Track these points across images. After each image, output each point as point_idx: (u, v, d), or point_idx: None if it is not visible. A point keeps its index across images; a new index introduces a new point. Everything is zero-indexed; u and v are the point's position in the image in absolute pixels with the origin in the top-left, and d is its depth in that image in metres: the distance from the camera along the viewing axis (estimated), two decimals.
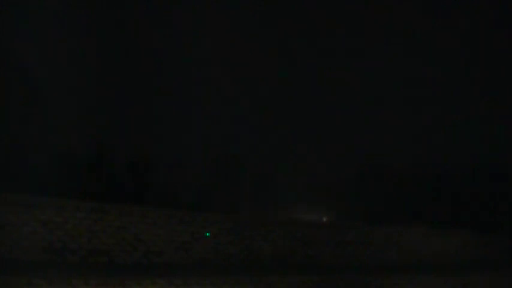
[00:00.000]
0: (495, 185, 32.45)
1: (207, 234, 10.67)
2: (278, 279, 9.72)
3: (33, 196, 9.32)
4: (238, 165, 40.82)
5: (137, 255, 9.88)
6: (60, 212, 9.20)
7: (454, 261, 14.61)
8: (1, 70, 20.19)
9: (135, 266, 9.54)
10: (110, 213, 9.69)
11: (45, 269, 8.28)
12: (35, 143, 21.17)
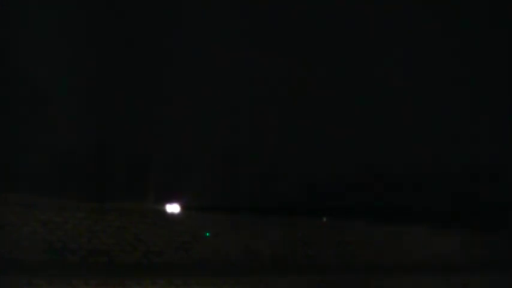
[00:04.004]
0: (495, 184, 32.33)
1: (207, 234, 10.67)
2: (278, 279, 9.72)
3: (33, 196, 9.31)
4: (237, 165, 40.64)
5: (137, 255, 9.87)
6: (60, 212, 9.19)
7: (454, 261, 14.60)
8: (1, 70, 20.15)
9: (135, 266, 9.54)
10: (110, 213, 9.69)
11: (45, 269, 8.28)
12: (35, 143, 21.13)
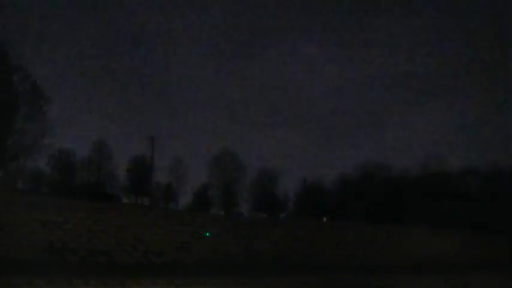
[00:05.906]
0: (495, 185, 32.38)
1: (207, 234, 10.67)
2: (278, 279, 9.72)
3: (33, 196, 9.32)
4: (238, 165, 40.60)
5: (137, 255, 9.88)
6: (60, 212, 9.19)
7: (454, 261, 14.61)
8: (2, 70, 20.20)
9: (135, 266, 9.54)
10: (110, 213, 9.69)
11: (45, 269, 8.28)
12: (35, 143, 21.21)
